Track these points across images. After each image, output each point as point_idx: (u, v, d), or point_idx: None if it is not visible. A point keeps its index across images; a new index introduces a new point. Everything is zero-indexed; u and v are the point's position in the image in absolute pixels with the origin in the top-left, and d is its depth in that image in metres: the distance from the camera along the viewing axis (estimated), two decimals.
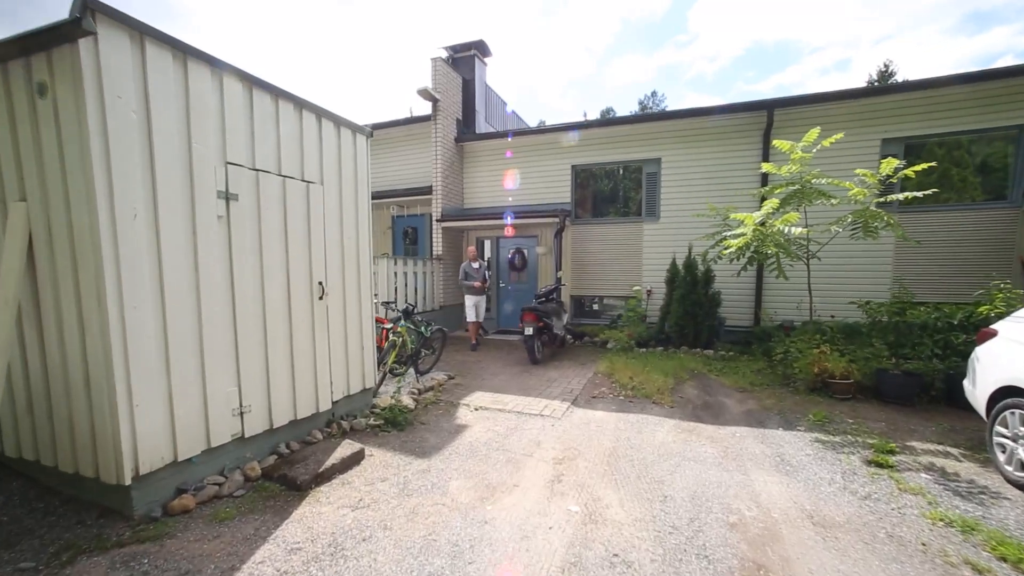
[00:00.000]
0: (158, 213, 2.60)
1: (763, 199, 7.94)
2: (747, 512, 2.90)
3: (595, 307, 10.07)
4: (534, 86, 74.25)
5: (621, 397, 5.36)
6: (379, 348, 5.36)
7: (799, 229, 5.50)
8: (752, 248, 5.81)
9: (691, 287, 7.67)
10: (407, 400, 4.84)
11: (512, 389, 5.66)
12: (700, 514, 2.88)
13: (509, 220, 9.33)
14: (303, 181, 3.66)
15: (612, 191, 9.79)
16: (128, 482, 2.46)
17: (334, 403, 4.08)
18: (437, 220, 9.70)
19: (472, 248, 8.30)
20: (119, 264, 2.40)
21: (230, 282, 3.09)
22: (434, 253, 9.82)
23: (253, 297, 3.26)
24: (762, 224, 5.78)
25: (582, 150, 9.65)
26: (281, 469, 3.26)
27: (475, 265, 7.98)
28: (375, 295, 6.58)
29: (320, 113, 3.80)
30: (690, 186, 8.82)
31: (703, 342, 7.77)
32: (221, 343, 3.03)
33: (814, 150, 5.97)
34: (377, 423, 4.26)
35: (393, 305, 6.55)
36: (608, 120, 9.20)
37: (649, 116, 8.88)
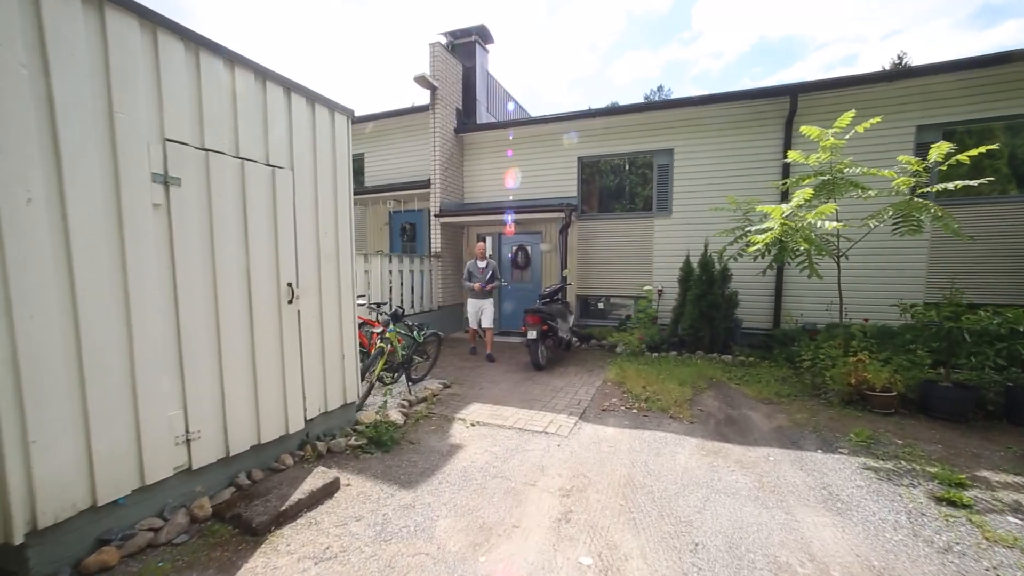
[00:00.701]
0: (65, 198, 2.07)
1: (785, 192, 7.38)
2: (800, 569, 2.35)
3: (600, 306, 9.51)
4: (538, 85, 73.75)
5: (634, 410, 4.81)
6: (367, 354, 4.85)
7: (833, 223, 4.92)
8: (779, 244, 5.24)
9: (707, 287, 7.10)
10: (395, 415, 4.31)
11: (513, 400, 5.12)
12: (742, 570, 2.33)
13: (510, 219, 8.80)
14: (268, 165, 3.12)
15: (620, 185, 9.22)
16: (20, 540, 1.94)
17: (309, 422, 3.56)
18: (435, 215, 9.17)
19: (482, 244, 7.05)
20: (5, 260, 1.88)
21: (171, 284, 2.56)
22: (432, 250, 9.28)
23: (203, 301, 2.73)
24: (790, 217, 5.21)
25: (589, 141, 9.08)
26: (236, 507, 2.74)
27: (481, 264, 6.96)
28: (363, 296, 6.05)
29: (288, 86, 3.26)
30: (705, 178, 8.23)
31: (720, 346, 7.19)
32: (160, 357, 2.50)
33: (847, 136, 5.39)
34: (359, 443, 3.73)
35: (385, 307, 6.03)
36: (617, 108, 8.64)
37: (661, 104, 8.31)
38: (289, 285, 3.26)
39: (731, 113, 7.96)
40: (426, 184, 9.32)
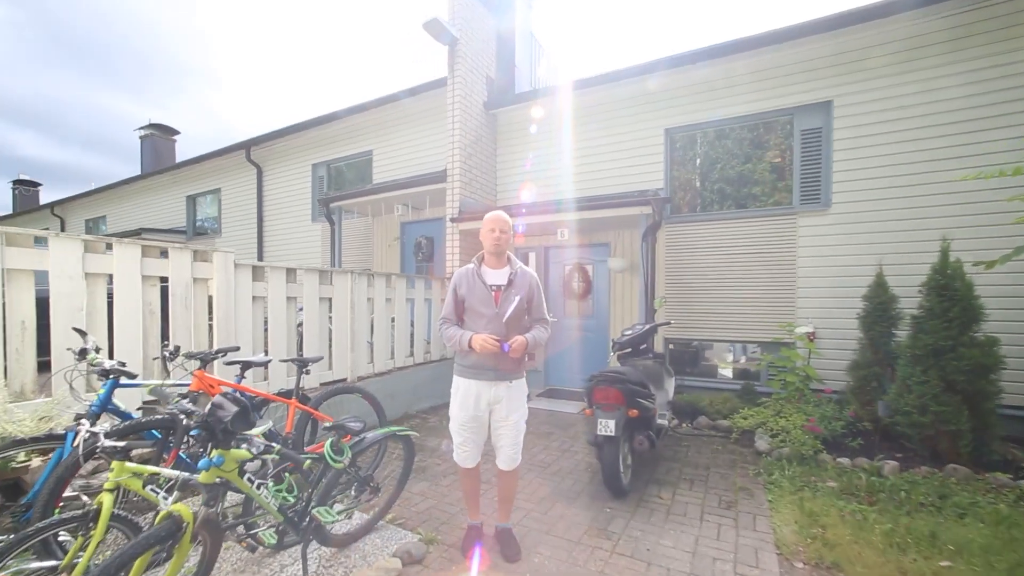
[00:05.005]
0: None
1: None
2: None
3: (670, 346, 6.07)
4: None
5: None
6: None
7: None
8: None
9: (959, 330, 3.54)
10: None
11: None
12: None
13: (522, 227, 5.90)
14: None
15: (734, 166, 5.92)
16: None
17: None
18: (452, 219, 6.30)
19: (497, 220, 2.47)
20: None
21: None
22: (448, 269, 6.37)
23: None
24: None
25: (683, 104, 5.96)
26: None
27: (494, 278, 2.48)
28: (230, 350, 3.03)
29: None
30: (894, 143, 4.82)
31: (986, 448, 3.54)
32: None
33: None
34: None
35: (317, 364, 3.09)
36: (729, 46, 5.48)
37: (806, 28, 5.08)
38: None
39: (944, 28, 4.58)
40: (441, 177, 6.53)
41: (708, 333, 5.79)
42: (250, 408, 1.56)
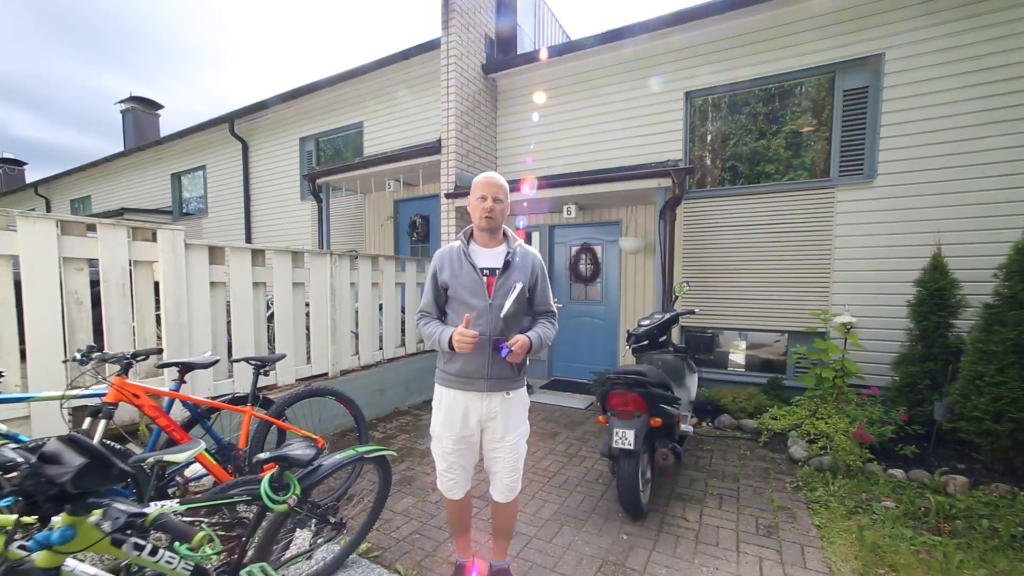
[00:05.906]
0: None
1: None
2: None
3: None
4: None
5: None
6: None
7: None
8: None
9: None
10: None
11: None
12: None
13: (523, 223, 5.35)
14: None
15: (761, 134, 5.25)
16: None
17: None
18: (447, 195, 5.70)
19: (488, 184, 1.90)
20: None
21: None
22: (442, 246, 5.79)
23: None
24: None
25: (705, 63, 5.26)
26: None
27: (481, 261, 1.94)
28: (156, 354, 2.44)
29: None
30: (961, 102, 4.15)
31: None
32: None
33: None
34: None
35: (261, 366, 2.57)
36: None
37: None
38: None
39: None
40: (435, 148, 5.89)
41: (730, 321, 5.23)
42: (108, 456, 1.03)
